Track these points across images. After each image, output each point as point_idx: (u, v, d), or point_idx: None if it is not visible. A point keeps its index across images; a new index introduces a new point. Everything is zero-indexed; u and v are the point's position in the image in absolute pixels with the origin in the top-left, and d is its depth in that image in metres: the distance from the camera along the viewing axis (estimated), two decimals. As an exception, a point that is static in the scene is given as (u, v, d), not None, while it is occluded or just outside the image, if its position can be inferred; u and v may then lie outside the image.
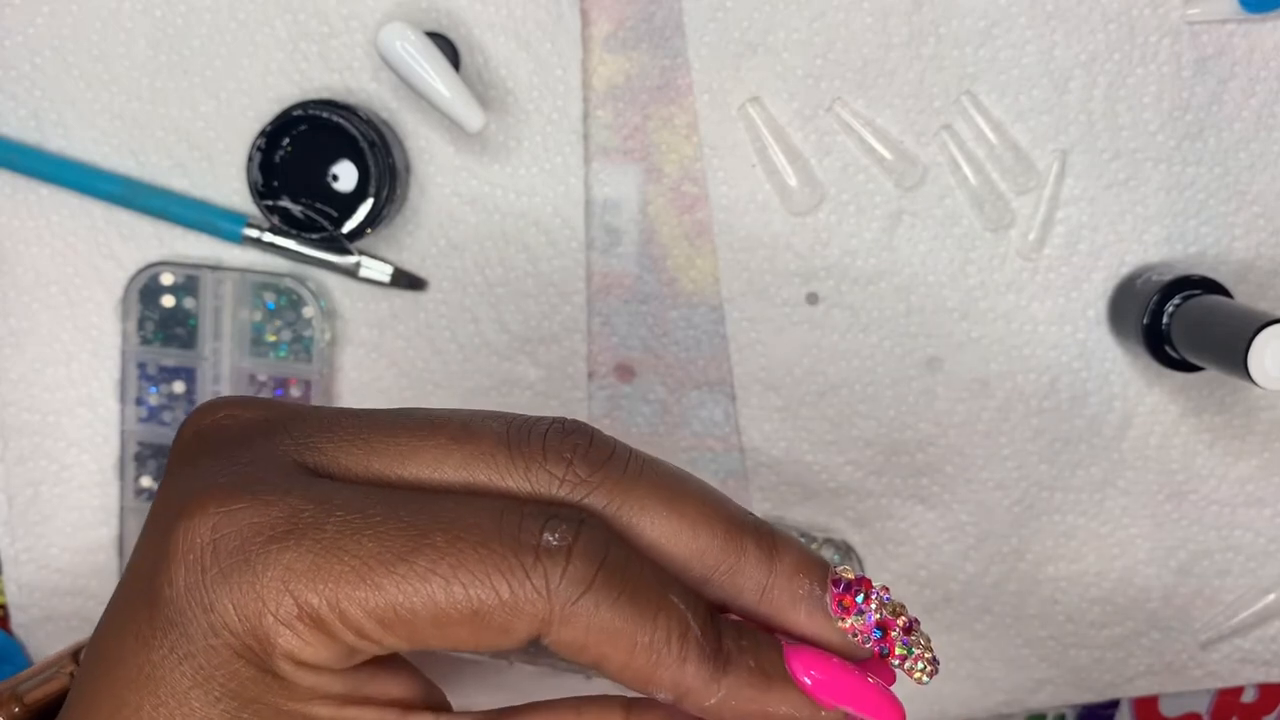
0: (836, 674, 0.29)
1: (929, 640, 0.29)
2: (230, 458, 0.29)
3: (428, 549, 0.26)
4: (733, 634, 0.28)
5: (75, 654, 0.36)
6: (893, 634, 0.29)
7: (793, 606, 0.29)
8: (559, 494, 0.28)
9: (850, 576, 0.29)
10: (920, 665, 0.29)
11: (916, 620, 0.29)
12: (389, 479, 0.28)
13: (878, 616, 0.29)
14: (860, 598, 0.29)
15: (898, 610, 0.29)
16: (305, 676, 0.27)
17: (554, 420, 0.29)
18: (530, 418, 0.29)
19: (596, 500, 0.28)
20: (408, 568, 0.26)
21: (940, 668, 0.30)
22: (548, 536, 0.27)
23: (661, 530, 0.28)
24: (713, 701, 0.28)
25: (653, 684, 0.27)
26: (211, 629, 0.26)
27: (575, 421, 0.29)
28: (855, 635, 0.29)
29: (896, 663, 0.29)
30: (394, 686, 0.29)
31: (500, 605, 0.26)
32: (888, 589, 0.29)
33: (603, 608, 0.26)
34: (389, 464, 0.28)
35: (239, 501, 0.27)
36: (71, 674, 0.35)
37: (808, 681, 0.28)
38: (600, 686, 0.57)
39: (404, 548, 0.26)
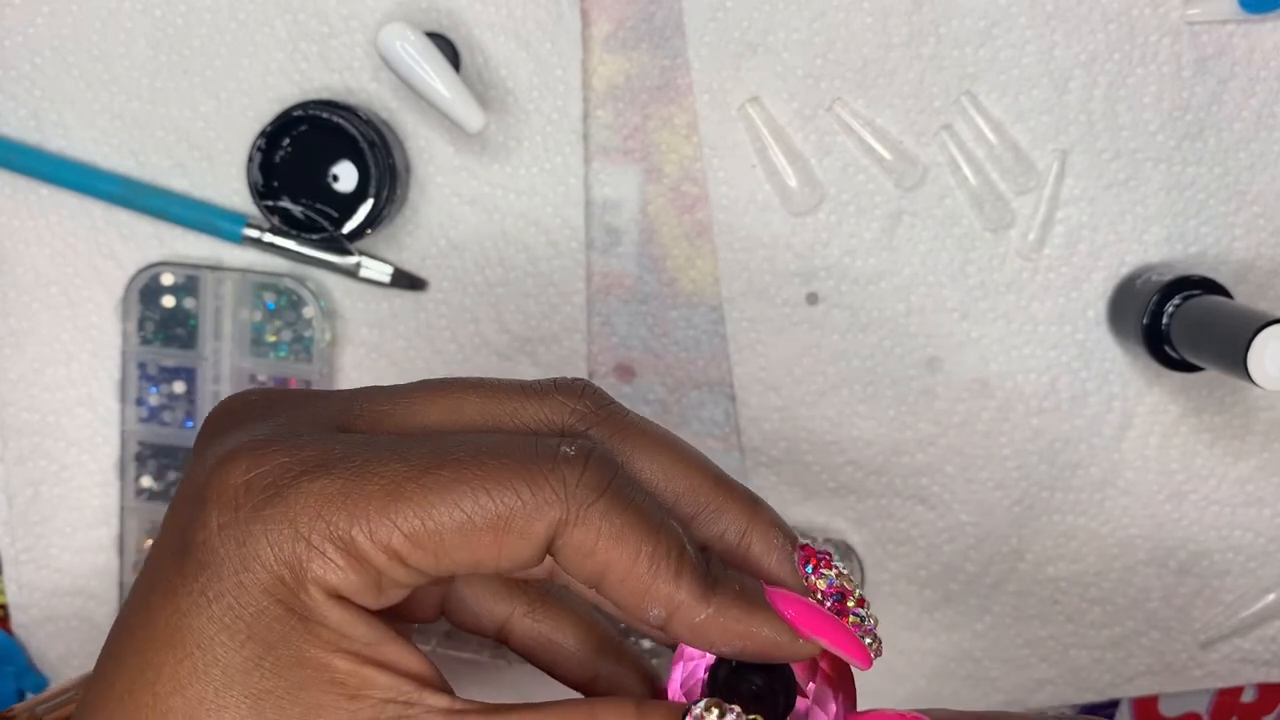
0: (812, 612, 0.30)
1: (877, 622, 0.31)
2: (261, 421, 0.30)
3: (452, 463, 0.28)
4: (718, 563, 0.30)
5: None
6: (848, 603, 0.30)
7: (767, 554, 0.31)
8: (569, 422, 0.30)
9: (814, 548, 0.31)
10: (869, 639, 0.30)
11: (867, 600, 0.31)
12: (413, 427, 0.30)
13: (837, 585, 0.31)
14: (823, 565, 0.31)
15: (855, 586, 0.31)
16: (332, 610, 0.28)
17: (560, 377, 0.32)
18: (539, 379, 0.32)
19: (601, 433, 0.30)
20: (433, 479, 0.28)
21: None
22: (565, 448, 0.28)
23: (657, 466, 0.30)
24: (701, 618, 0.29)
25: (648, 597, 0.29)
26: (243, 563, 0.27)
27: (579, 378, 0.32)
28: (816, 594, 0.30)
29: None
30: (410, 660, 0.29)
31: (521, 508, 0.28)
32: (844, 570, 0.31)
33: (614, 513, 0.28)
34: (411, 414, 0.30)
35: (271, 446, 0.28)
36: None
37: (787, 614, 0.30)
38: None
39: (430, 463, 0.28)
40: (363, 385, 0.57)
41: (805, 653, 0.30)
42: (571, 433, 0.30)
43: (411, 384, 0.31)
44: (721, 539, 0.31)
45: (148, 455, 0.57)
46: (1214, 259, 0.55)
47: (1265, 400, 0.57)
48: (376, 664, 0.28)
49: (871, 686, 0.52)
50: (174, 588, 0.28)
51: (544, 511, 0.28)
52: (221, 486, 0.28)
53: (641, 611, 0.29)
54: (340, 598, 0.28)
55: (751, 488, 0.59)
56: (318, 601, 0.28)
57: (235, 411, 0.31)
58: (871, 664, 0.31)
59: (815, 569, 0.31)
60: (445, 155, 0.55)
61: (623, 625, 0.39)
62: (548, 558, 0.29)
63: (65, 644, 0.59)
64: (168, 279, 0.56)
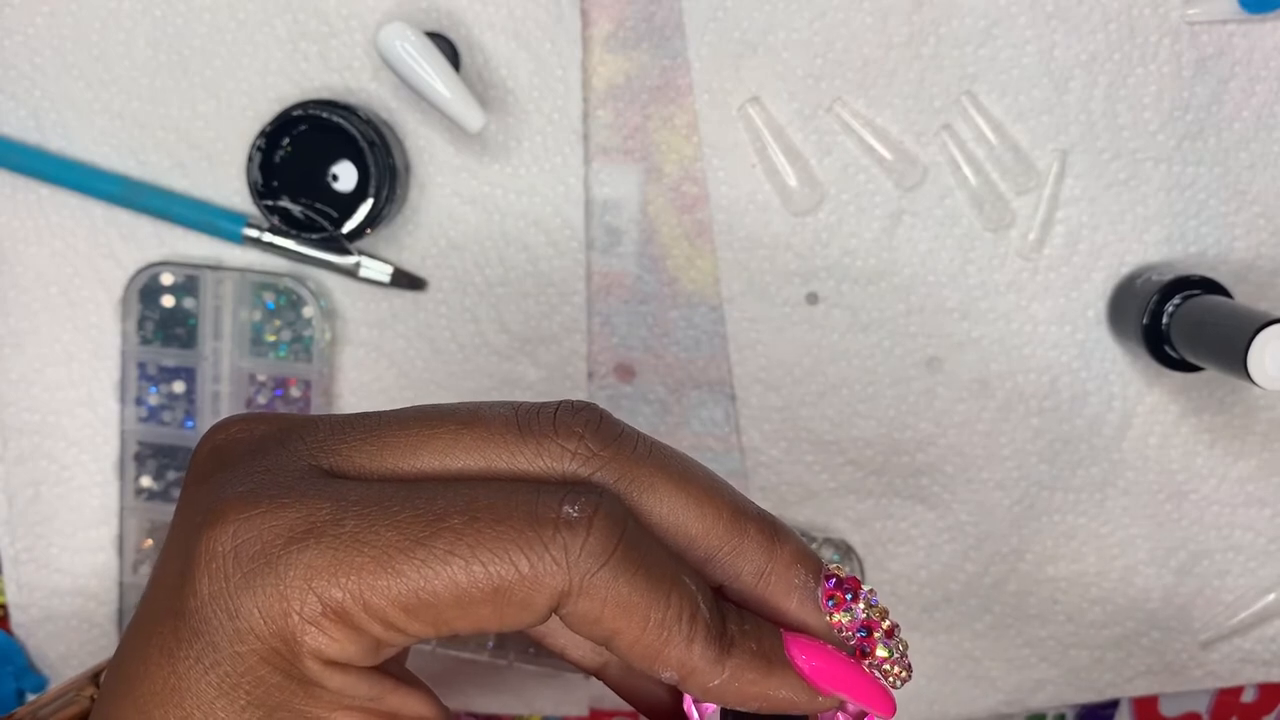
0: (832, 661, 0.29)
1: (907, 646, 0.30)
2: (247, 467, 0.29)
3: (446, 532, 0.26)
4: (736, 619, 0.29)
5: (95, 677, 0.36)
6: (876, 635, 0.30)
7: (787, 595, 0.29)
8: (570, 468, 0.28)
9: (842, 574, 0.30)
10: (896, 669, 0.30)
11: (897, 625, 0.30)
12: (404, 472, 0.29)
13: (864, 617, 0.30)
14: (849, 596, 0.30)
15: (883, 614, 0.30)
16: (332, 677, 0.27)
17: (563, 401, 0.29)
18: (538, 402, 0.30)
19: (606, 476, 0.28)
20: (427, 552, 0.26)
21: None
22: (568, 509, 0.27)
23: (669, 509, 0.29)
24: (716, 683, 0.28)
25: (660, 661, 0.28)
26: (238, 635, 0.27)
27: (584, 401, 0.30)
28: (841, 631, 0.30)
29: (875, 662, 0.30)
30: (414, 705, 0.29)
31: (520, 580, 0.26)
32: (875, 591, 0.30)
33: (620, 581, 0.27)
34: (402, 457, 0.29)
35: (257, 507, 0.27)
36: (91, 698, 0.35)
37: (805, 668, 0.29)
38: (600, 688, 0.57)
39: (422, 533, 0.26)
40: (361, 385, 0.57)
41: (824, 708, 0.29)
42: (574, 478, 0.28)
43: (401, 415, 0.29)
44: (739, 579, 0.29)
45: (147, 455, 0.57)
46: (1214, 259, 0.55)
47: (1265, 400, 0.57)
48: (381, 716, 0.28)
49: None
50: (170, 650, 0.27)
51: (545, 583, 0.26)
52: (209, 553, 0.27)
53: (653, 673, 0.28)
54: (339, 664, 0.27)
55: (751, 488, 0.58)
56: (316, 670, 0.27)
57: (221, 450, 0.30)
58: (894, 710, 0.30)
59: (839, 605, 0.29)
60: (445, 155, 0.55)
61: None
62: None
63: (65, 644, 0.59)
64: (168, 279, 0.56)
